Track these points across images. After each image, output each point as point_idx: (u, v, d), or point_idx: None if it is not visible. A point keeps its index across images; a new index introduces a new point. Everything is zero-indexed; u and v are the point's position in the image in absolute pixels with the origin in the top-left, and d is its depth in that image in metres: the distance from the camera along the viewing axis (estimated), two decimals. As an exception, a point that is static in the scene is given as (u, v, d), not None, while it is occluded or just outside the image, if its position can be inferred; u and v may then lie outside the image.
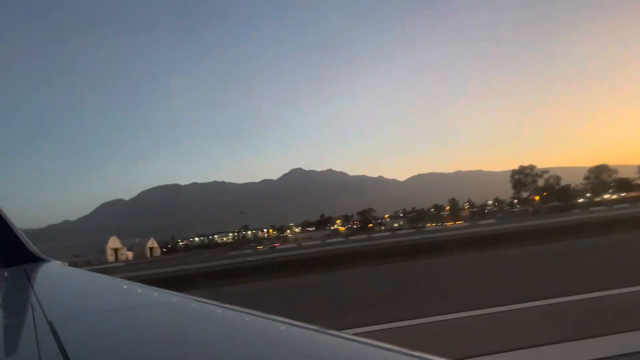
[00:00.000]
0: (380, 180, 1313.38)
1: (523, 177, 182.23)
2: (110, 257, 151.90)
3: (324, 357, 1.46)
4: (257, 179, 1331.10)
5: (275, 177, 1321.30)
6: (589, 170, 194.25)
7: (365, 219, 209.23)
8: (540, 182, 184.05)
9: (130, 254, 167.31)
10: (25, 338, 2.10)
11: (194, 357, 1.54)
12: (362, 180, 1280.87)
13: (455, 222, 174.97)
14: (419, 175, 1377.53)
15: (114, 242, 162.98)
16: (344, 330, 1.75)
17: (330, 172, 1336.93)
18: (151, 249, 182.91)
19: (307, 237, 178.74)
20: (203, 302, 2.75)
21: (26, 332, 2.22)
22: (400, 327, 11.46)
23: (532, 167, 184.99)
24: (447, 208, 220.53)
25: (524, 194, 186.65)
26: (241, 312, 2.32)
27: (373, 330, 11.36)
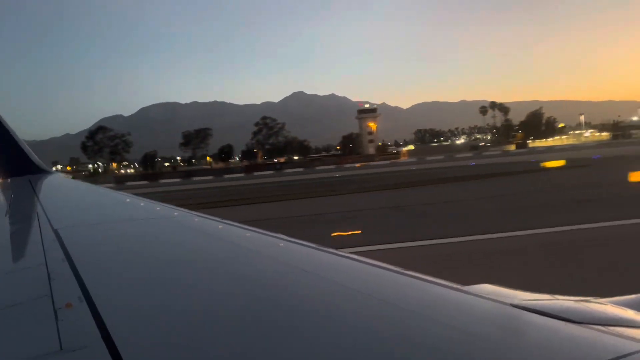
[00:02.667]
0: (384, 107, 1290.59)
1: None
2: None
3: (320, 272, 1.49)
4: (258, 101, 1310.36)
5: (276, 100, 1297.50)
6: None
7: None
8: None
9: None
10: (33, 245, 2.15)
11: (190, 267, 1.61)
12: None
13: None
14: (423, 104, 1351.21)
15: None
16: (341, 250, 1.76)
17: (332, 97, 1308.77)
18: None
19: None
20: (204, 217, 2.85)
21: (33, 239, 2.28)
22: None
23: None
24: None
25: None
26: (240, 227, 2.38)
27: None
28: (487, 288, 1.27)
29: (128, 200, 4.44)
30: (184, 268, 1.59)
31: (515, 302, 1.11)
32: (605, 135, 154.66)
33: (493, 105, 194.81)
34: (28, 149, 7.21)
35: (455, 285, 1.27)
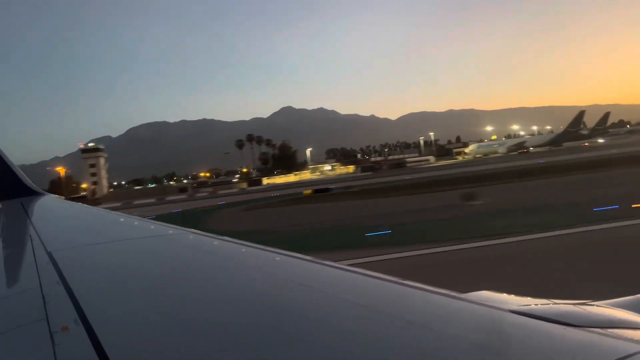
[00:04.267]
0: (372, 119, 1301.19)
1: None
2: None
3: (309, 284, 1.49)
4: (248, 117, 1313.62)
5: (265, 116, 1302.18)
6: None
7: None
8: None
9: None
10: (26, 268, 2.12)
11: (185, 285, 1.58)
12: (354, 119, 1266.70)
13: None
14: (411, 114, 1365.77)
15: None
16: (340, 262, 1.76)
17: (321, 111, 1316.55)
18: None
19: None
20: (198, 234, 2.83)
21: (26, 262, 2.24)
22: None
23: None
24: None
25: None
26: (237, 243, 2.37)
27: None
28: (484, 295, 1.28)
29: (122, 219, 4.41)
30: (181, 287, 1.56)
31: (514, 307, 1.11)
32: (351, 168, 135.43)
33: (250, 138, 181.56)
34: (20, 172, 7.15)
35: (453, 293, 1.27)
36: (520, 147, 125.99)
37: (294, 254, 1.91)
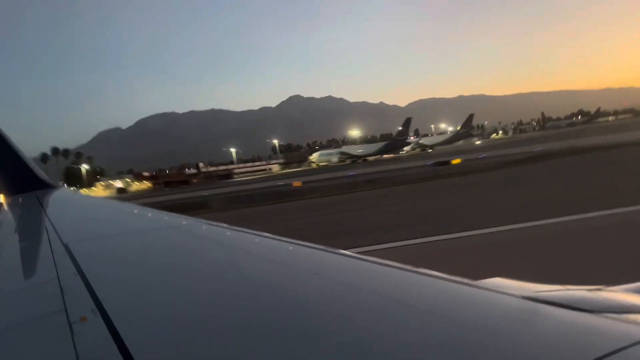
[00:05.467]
0: (381, 107, 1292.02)
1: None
2: None
3: (324, 273, 1.50)
4: (256, 107, 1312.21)
5: (273, 105, 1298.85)
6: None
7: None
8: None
9: None
10: (43, 260, 2.15)
11: (202, 275, 1.61)
12: (363, 106, 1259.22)
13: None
14: (421, 101, 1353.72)
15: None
16: (350, 250, 1.77)
17: (329, 99, 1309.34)
18: None
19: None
20: (212, 224, 2.84)
21: (43, 254, 2.28)
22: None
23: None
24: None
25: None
26: (249, 233, 2.38)
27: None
28: (498, 282, 1.29)
29: (136, 211, 4.46)
30: (197, 277, 1.58)
31: (528, 294, 1.11)
32: (147, 184, 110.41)
33: (56, 151, 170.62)
34: (34, 165, 7.27)
35: (467, 281, 1.28)
36: (352, 157, 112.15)
37: (313, 244, 1.92)
